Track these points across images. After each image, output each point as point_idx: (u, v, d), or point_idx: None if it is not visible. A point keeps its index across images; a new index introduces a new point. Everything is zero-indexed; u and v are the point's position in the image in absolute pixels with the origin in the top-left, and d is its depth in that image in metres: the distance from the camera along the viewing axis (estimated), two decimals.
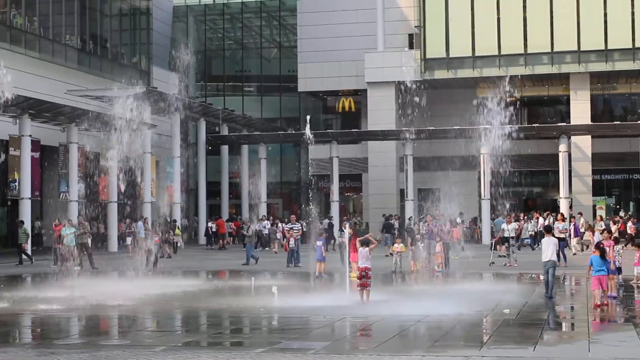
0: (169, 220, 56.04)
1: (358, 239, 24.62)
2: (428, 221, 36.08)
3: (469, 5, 61.76)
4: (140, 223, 45.07)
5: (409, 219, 54.28)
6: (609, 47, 60.05)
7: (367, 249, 23.10)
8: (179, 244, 50.73)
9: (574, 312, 21.49)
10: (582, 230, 46.34)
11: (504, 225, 38.78)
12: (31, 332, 19.60)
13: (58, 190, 49.93)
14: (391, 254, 37.48)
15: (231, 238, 58.92)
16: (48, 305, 23.05)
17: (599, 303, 21.59)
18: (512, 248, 37.68)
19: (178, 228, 52.17)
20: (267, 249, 51.59)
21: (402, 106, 58.30)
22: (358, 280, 22.80)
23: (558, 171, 58.07)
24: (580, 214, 52.71)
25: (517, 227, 41.28)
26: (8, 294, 25.46)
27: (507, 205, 45.99)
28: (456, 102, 66.60)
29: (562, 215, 44.64)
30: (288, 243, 38.38)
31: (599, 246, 22.88)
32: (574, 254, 44.04)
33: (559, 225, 39.41)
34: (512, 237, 38.18)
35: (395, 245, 34.02)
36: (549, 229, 25.32)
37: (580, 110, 61.46)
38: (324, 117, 75.24)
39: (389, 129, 61.56)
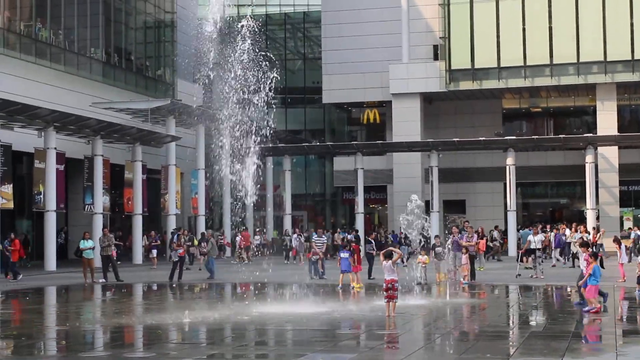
0: (195, 231, 56.07)
1: (381, 252, 24.29)
2: (454, 233, 35.91)
3: (494, 15, 61.59)
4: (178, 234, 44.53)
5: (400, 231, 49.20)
6: (635, 57, 59.75)
7: (389, 261, 22.78)
8: (195, 255, 50.12)
9: (600, 324, 21.25)
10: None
11: (530, 237, 38.49)
12: (56, 345, 19.54)
13: (83, 202, 50.07)
14: (405, 266, 37.41)
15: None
16: None
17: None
18: (538, 260, 37.45)
19: (195, 239, 51.73)
20: (287, 261, 51.94)
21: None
22: (384, 292, 22.58)
23: (585, 182, 57.77)
24: (594, 228, 51.13)
25: (543, 238, 41.03)
26: None
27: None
28: (481, 113, 66.53)
29: (585, 226, 44.68)
30: (312, 254, 38.16)
31: (596, 256, 23.43)
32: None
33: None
34: (539, 249, 37.91)
35: (420, 257, 33.80)
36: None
37: (607, 121, 61.12)
38: (349, 129, 75.13)
39: (414, 140, 61.46)
